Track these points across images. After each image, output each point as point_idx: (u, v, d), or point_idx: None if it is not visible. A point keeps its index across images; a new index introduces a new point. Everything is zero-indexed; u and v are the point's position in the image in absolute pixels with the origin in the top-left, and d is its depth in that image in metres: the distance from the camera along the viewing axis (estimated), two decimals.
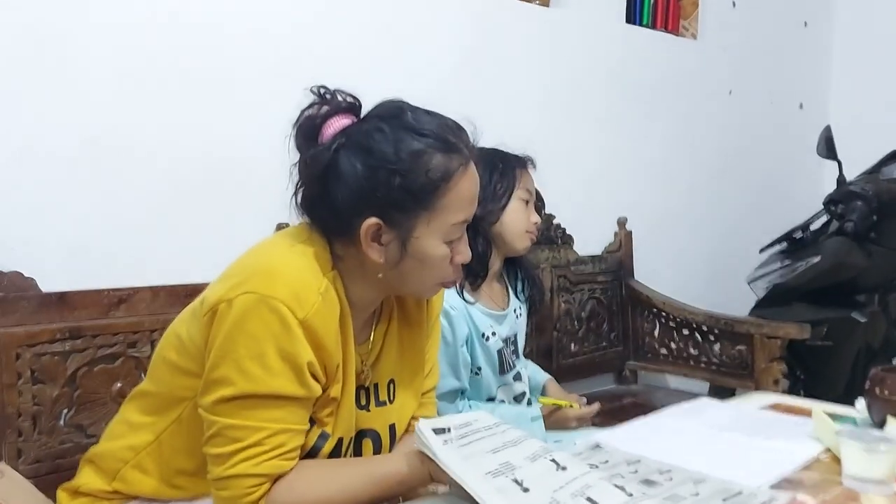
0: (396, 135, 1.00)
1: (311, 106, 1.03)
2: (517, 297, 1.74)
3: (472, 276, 1.58)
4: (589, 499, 0.81)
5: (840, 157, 2.70)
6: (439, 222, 1.01)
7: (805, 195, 3.18)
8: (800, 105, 3.46)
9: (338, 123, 1.02)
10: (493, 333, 1.62)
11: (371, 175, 0.99)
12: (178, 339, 1.06)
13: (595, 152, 2.59)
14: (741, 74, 3.13)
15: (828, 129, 2.70)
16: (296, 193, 1.06)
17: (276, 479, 0.96)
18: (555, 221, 2.36)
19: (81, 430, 1.47)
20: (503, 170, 1.61)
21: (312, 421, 1.02)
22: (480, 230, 1.56)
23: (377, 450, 1.14)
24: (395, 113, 1.02)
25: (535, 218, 1.64)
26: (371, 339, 1.14)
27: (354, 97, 1.05)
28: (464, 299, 1.56)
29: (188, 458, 1.04)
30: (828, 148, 2.67)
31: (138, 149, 1.60)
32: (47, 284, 1.45)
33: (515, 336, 1.71)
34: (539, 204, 1.78)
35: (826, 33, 3.56)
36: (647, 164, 2.77)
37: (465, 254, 1.07)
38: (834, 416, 1.22)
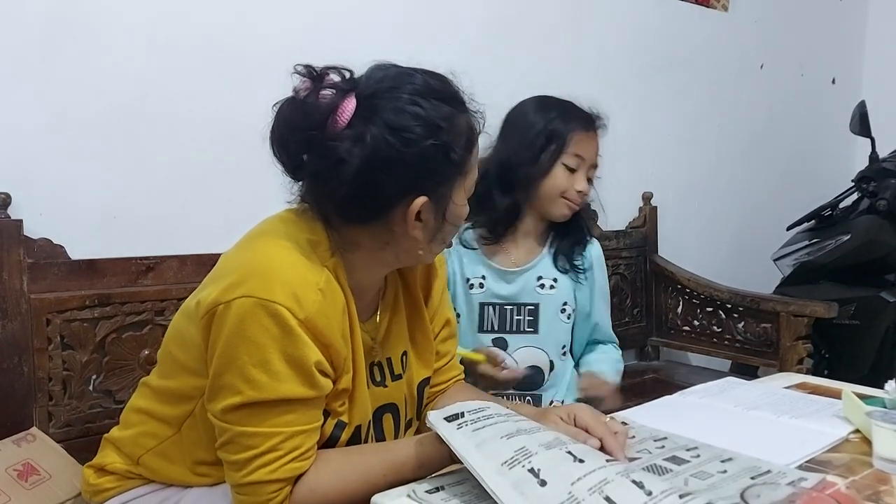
0: (424, 105, 0.96)
1: (309, 91, 0.97)
2: (556, 266, 1.61)
3: (492, 224, 1.53)
4: (607, 498, 0.77)
5: (873, 133, 2.64)
6: (468, 181, 1.02)
7: (834, 172, 3.12)
8: (832, 80, 3.38)
9: (349, 107, 0.95)
10: (482, 285, 1.55)
11: (420, 154, 0.94)
12: (180, 335, 1.04)
13: (621, 126, 2.52)
14: (772, 48, 3.06)
15: (862, 105, 2.64)
16: (310, 187, 1.01)
17: (296, 479, 0.94)
18: None
19: (110, 395, 1.50)
20: (554, 130, 1.51)
21: (327, 412, 1.00)
22: (515, 183, 1.51)
23: (397, 422, 1.13)
24: (405, 80, 0.98)
25: (581, 185, 1.53)
26: (378, 313, 1.12)
27: (349, 70, 0.99)
28: (461, 241, 1.52)
29: (207, 451, 1.02)
30: (862, 124, 2.61)
31: (167, 118, 1.60)
32: (76, 252, 1.47)
33: (536, 307, 1.60)
34: (591, 173, 1.58)
35: (860, 6, 3.46)
36: (673, 138, 2.73)
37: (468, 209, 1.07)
38: (862, 398, 1.20)
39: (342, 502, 0.96)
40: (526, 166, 1.51)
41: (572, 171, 1.52)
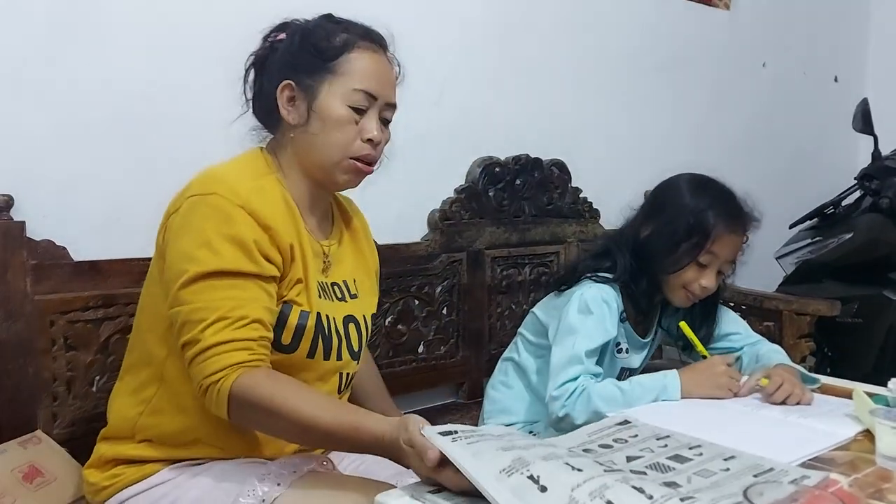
0: (321, 22, 1.18)
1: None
2: (661, 325, 1.62)
3: (637, 312, 1.53)
4: (609, 502, 0.77)
5: (876, 131, 2.64)
6: (340, 85, 1.14)
7: (837, 170, 3.11)
8: (834, 78, 3.38)
9: (279, 35, 1.21)
10: (627, 351, 1.56)
11: (289, 45, 1.17)
12: (149, 286, 1.17)
13: (623, 125, 2.55)
14: (775, 46, 3.06)
15: (865, 102, 2.64)
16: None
17: (248, 342, 1.02)
18: (581, 195, 2.34)
19: None
20: (699, 223, 1.42)
21: (290, 305, 1.11)
22: (648, 270, 1.49)
23: (359, 335, 1.24)
24: (328, 15, 1.20)
25: (706, 281, 1.45)
26: (329, 237, 1.24)
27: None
28: (620, 318, 1.50)
29: (189, 381, 1.09)
30: (864, 122, 2.61)
31: (170, 119, 1.60)
32: (80, 253, 1.47)
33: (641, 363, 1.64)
34: (725, 268, 1.50)
35: (863, 5, 3.46)
36: (676, 137, 2.73)
37: (372, 131, 1.15)
38: (869, 395, 1.20)
39: (277, 411, 0.99)
40: (661, 256, 1.46)
41: (703, 266, 1.45)
